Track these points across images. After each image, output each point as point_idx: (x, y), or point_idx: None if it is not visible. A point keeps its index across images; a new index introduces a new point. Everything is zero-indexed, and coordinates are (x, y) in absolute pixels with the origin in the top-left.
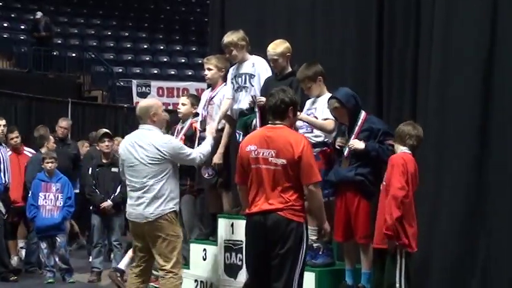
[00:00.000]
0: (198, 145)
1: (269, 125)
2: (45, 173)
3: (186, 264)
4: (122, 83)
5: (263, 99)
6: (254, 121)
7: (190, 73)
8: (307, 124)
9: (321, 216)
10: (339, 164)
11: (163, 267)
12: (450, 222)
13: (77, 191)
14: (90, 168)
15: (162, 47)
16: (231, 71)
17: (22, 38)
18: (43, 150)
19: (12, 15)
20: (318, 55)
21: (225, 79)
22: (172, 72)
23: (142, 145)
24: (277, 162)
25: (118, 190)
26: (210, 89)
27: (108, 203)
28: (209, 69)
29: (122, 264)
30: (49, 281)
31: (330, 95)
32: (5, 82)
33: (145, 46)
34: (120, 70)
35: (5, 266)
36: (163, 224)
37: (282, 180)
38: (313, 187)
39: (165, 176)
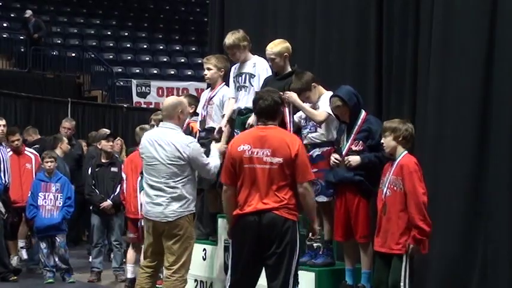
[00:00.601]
0: None
1: (260, 126)
2: (45, 172)
3: None
4: (121, 83)
5: None
6: (249, 119)
7: (190, 73)
8: (311, 124)
9: (314, 214)
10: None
11: (171, 267)
12: (449, 224)
13: None
14: (90, 168)
15: (161, 47)
16: (233, 70)
17: (22, 38)
18: (57, 151)
19: (12, 15)
20: (317, 54)
21: (224, 79)
22: (172, 72)
23: (162, 144)
24: (273, 161)
25: (118, 190)
26: (209, 88)
27: (107, 202)
28: (209, 69)
29: (130, 273)
30: (49, 281)
31: (329, 93)
32: (5, 82)
33: (145, 46)
34: (120, 70)
35: (4, 266)
36: (182, 225)
37: (277, 179)
38: (308, 185)
39: (186, 179)
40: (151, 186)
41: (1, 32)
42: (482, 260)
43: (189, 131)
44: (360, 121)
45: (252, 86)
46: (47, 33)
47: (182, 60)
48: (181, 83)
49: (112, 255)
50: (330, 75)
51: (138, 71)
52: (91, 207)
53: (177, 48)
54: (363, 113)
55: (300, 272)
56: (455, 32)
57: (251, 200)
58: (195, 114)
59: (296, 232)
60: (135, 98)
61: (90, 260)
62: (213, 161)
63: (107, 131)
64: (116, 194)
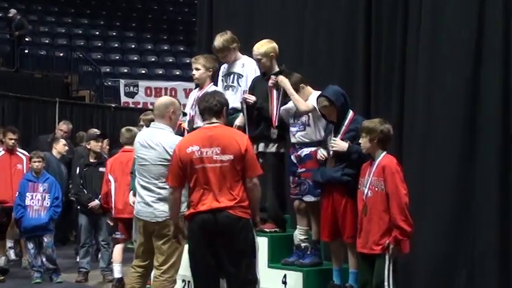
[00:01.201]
0: None
1: (206, 125)
2: (33, 172)
3: None
4: (109, 83)
5: (252, 98)
6: (236, 121)
7: (178, 73)
8: (300, 123)
9: (257, 208)
10: (325, 163)
11: (161, 267)
12: (436, 223)
13: None
14: (78, 168)
15: (149, 47)
16: (222, 69)
17: (9, 37)
18: (53, 151)
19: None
20: (306, 54)
21: (213, 79)
22: (160, 72)
23: (152, 145)
24: (223, 158)
25: None
26: (198, 88)
27: (95, 202)
28: (197, 69)
29: (118, 273)
30: (36, 281)
31: (317, 92)
32: None
33: (133, 46)
34: (108, 70)
35: None
36: (172, 225)
37: (230, 176)
38: (256, 180)
39: None
40: (142, 187)
41: None
42: (470, 260)
43: (180, 132)
44: (347, 121)
45: (240, 86)
46: (32, 32)
47: (170, 60)
48: (170, 83)
49: (100, 255)
50: (319, 75)
51: (126, 70)
52: (78, 207)
53: (165, 48)
54: (351, 113)
55: (287, 272)
56: (443, 32)
57: (205, 199)
58: (185, 114)
59: (252, 230)
60: (123, 98)
61: (78, 260)
62: None
63: (96, 131)
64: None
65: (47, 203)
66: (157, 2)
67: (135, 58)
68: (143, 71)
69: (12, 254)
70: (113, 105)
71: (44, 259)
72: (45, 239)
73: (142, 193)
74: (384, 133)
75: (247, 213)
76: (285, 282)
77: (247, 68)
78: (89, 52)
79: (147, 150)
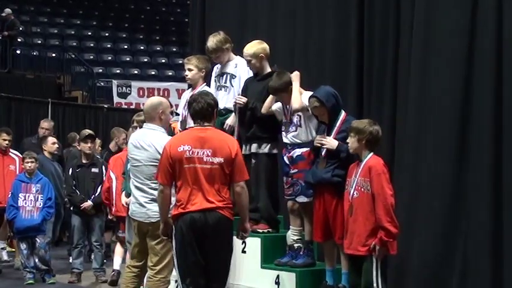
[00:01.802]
0: None
1: (198, 127)
2: (26, 173)
3: None
4: (102, 84)
5: (243, 99)
6: (228, 121)
7: (170, 73)
8: (292, 124)
9: (247, 213)
10: (316, 165)
11: (154, 267)
12: (429, 223)
13: None
14: (71, 169)
15: (142, 47)
16: (215, 69)
17: (1, 38)
18: (45, 153)
19: None
20: (297, 54)
21: (205, 79)
22: (153, 73)
23: (144, 146)
24: (214, 161)
25: (98, 190)
26: (190, 89)
27: (88, 203)
28: (190, 70)
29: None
30: (29, 282)
31: (309, 93)
32: None
33: (125, 46)
34: (101, 70)
35: None
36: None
37: (218, 178)
38: (244, 184)
39: None
40: (136, 187)
41: None
42: (463, 260)
43: (171, 132)
44: (339, 122)
45: (233, 86)
46: (24, 33)
47: (163, 61)
48: (162, 84)
49: (92, 256)
50: (310, 75)
51: (118, 71)
52: (71, 208)
53: (158, 48)
54: (343, 114)
55: (280, 273)
56: (436, 31)
57: (194, 198)
58: (177, 114)
59: (232, 232)
60: (116, 99)
61: (71, 260)
62: None
63: (86, 131)
64: (96, 194)
65: (40, 204)
66: (149, 3)
67: (128, 59)
68: (136, 72)
69: (4, 255)
70: (106, 106)
71: (36, 260)
72: (38, 240)
73: (136, 194)
74: (372, 134)
75: (232, 215)
76: (278, 283)
77: (240, 68)
78: (82, 53)
79: (139, 151)
